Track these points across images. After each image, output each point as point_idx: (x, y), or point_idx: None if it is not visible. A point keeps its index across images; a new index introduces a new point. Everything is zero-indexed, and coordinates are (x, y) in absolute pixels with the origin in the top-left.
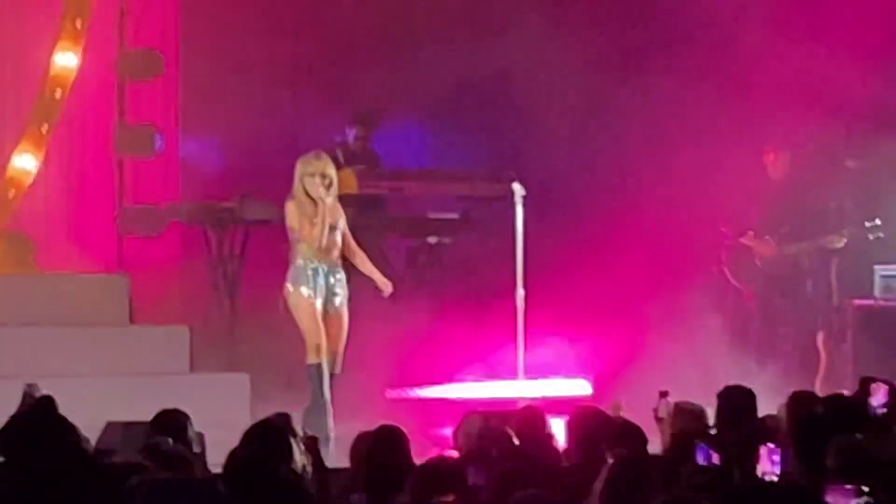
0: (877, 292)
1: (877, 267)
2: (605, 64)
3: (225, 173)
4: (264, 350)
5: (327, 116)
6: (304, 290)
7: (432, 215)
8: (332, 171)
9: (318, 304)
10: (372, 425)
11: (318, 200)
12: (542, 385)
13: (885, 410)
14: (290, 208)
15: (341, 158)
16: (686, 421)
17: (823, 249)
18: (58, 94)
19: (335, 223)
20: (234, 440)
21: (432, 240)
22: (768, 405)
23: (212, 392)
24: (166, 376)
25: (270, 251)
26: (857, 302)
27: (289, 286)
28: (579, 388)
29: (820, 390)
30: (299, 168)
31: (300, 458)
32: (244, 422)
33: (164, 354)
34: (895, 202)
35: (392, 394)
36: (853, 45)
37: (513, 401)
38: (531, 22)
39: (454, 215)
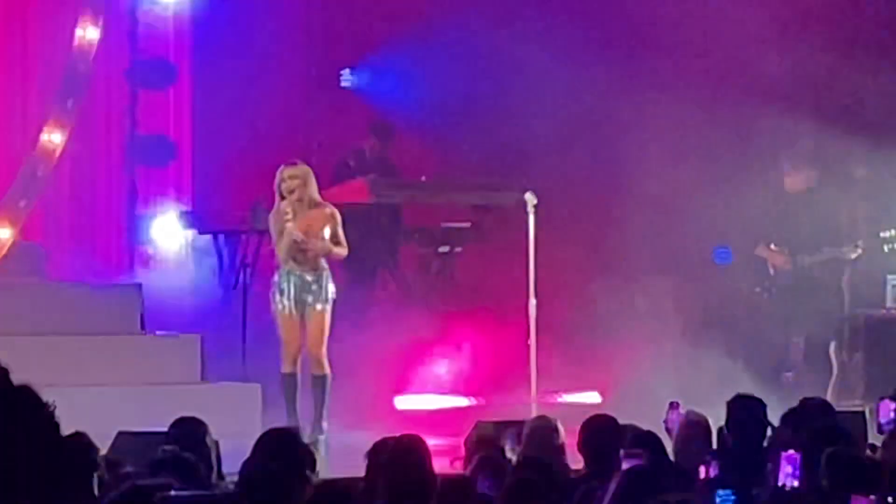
0: (889, 302)
1: (889, 277)
2: (617, 73)
3: (236, 182)
4: (275, 360)
5: (339, 125)
6: (279, 299)
7: (444, 224)
8: (300, 171)
9: (294, 310)
10: (381, 434)
11: (290, 211)
12: (553, 394)
13: (892, 427)
14: (270, 218)
15: (355, 167)
16: (693, 432)
17: (838, 260)
18: (82, 68)
19: (313, 232)
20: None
21: (444, 249)
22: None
23: (223, 402)
24: (177, 386)
25: None
26: (869, 312)
27: (270, 294)
28: (589, 397)
29: (832, 400)
30: (277, 177)
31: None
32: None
33: (175, 364)
34: None
35: (402, 402)
36: (862, 53)
37: (524, 409)
38: (542, 30)
39: (466, 224)
